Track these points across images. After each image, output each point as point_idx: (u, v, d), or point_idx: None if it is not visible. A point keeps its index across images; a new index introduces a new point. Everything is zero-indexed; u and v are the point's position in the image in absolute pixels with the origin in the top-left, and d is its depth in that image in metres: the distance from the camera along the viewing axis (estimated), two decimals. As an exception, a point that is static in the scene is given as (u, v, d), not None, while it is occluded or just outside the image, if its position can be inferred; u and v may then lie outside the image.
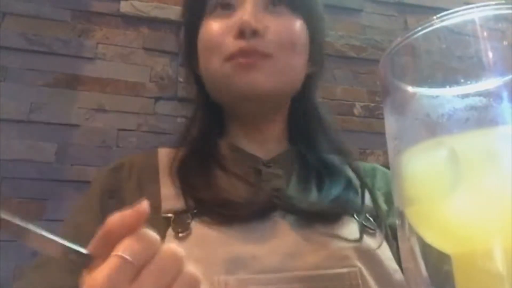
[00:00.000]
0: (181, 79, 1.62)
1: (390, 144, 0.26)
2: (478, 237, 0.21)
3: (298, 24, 0.58)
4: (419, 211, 0.24)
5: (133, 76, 1.61)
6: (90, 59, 1.59)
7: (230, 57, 0.54)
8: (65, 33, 1.59)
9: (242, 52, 0.54)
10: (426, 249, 0.24)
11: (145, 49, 1.65)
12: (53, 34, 1.57)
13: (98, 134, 1.52)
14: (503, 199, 0.20)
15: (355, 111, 1.81)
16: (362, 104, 1.83)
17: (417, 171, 0.23)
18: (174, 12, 1.66)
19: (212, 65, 0.57)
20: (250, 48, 0.54)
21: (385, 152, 0.27)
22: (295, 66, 0.58)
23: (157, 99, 1.62)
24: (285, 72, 0.57)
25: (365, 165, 0.66)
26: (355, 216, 0.54)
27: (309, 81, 0.63)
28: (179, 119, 1.57)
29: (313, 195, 0.55)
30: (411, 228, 0.24)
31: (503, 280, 0.20)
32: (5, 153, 1.41)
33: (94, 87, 1.57)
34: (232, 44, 0.54)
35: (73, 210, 0.59)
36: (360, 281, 0.47)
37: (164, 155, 0.60)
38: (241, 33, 0.54)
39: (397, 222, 0.26)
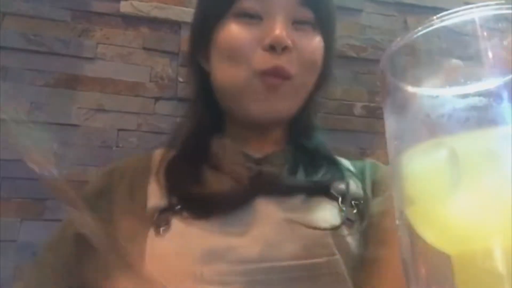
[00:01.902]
0: (181, 79, 1.62)
1: (390, 144, 0.26)
2: (478, 237, 0.21)
3: (319, 43, 0.59)
4: (419, 211, 0.24)
5: (133, 76, 1.61)
6: (90, 59, 1.59)
7: (259, 73, 0.55)
8: (65, 33, 1.59)
9: (272, 72, 0.54)
10: (426, 249, 0.24)
11: (145, 49, 1.66)
12: (53, 34, 1.57)
13: (98, 134, 1.52)
14: (503, 199, 0.20)
15: (355, 111, 1.81)
16: (362, 104, 1.83)
17: (417, 171, 0.23)
18: (174, 12, 1.66)
19: (238, 77, 0.56)
20: (280, 67, 0.54)
21: (386, 153, 0.27)
22: (309, 86, 0.60)
23: (157, 99, 1.62)
24: (300, 93, 0.59)
25: (356, 162, 0.67)
26: (339, 203, 0.54)
27: (314, 91, 0.63)
28: (179, 119, 1.57)
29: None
30: (411, 228, 0.24)
31: (503, 280, 0.20)
32: (5, 153, 1.41)
33: (94, 87, 1.57)
34: (261, 58, 0.54)
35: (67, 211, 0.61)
36: (337, 270, 0.48)
37: (157, 156, 0.62)
38: (273, 48, 0.54)
39: (397, 222, 0.26)
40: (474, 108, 0.21)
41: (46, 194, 1.43)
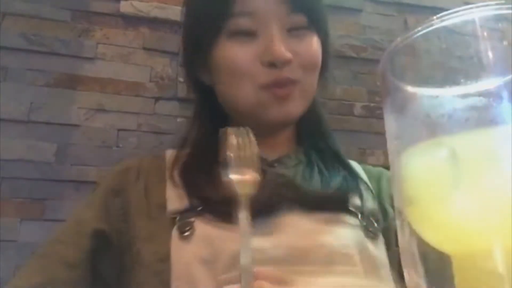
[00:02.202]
0: (181, 79, 1.62)
1: (390, 144, 0.26)
2: (478, 237, 0.21)
3: (316, 43, 0.59)
4: (419, 211, 0.24)
5: (133, 76, 1.61)
6: (90, 59, 1.59)
7: (265, 86, 0.55)
8: (65, 33, 1.59)
9: (277, 83, 0.54)
10: (426, 249, 0.24)
11: (145, 49, 1.66)
12: (53, 34, 1.57)
13: (98, 134, 1.52)
14: (503, 199, 0.20)
15: (355, 111, 1.81)
16: (362, 104, 1.83)
17: (417, 171, 0.23)
18: (174, 12, 1.66)
19: (243, 93, 0.56)
20: (284, 78, 0.55)
21: (385, 152, 0.26)
22: (315, 85, 0.60)
23: (157, 99, 1.62)
24: (309, 93, 0.59)
25: (371, 169, 0.67)
26: (359, 218, 0.54)
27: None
28: (179, 119, 1.58)
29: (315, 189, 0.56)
30: (411, 228, 0.24)
31: (503, 280, 0.20)
32: (5, 153, 1.41)
33: (94, 87, 1.57)
34: (264, 73, 0.55)
35: (77, 207, 0.60)
36: (359, 279, 0.48)
37: (170, 156, 0.61)
38: (273, 65, 0.54)
39: (397, 222, 0.26)
40: (474, 108, 0.21)
41: (46, 194, 1.43)
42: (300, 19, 0.57)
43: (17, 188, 1.40)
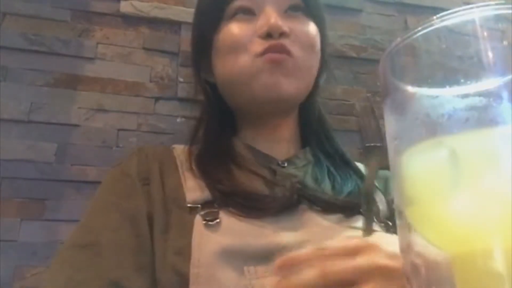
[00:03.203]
0: (181, 79, 1.62)
1: (390, 144, 0.26)
2: (478, 237, 0.21)
3: (314, 28, 0.61)
4: (419, 211, 0.24)
5: (133, 76, 1.61)
6: (90, 59, 1.59)
7: (261, 54, 0.56)
8: (65, 33, 1.59)
9: (273, 47, 0.56)
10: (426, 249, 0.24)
11: (145, 49, 1.65)
12: (53, 34, 1.57)
13: (98, 134, 1.52)
14: (503, 199, 0.20)
15: (355, 111, 1.81)
16: (362, 104, 1.83)
17: (417, 171, 0.23)
18: (174, 12, 1.66)
19: (240, 63, 0.57)
20: (279, 44, 0.56)
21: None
22: (313, 67, 0.61)
23: (157, 99, 1.62)
24: (305, 72, 0.59)
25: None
26: (375, 220, 0.55)
27: (316, 83, 0.64)
28: (179, 119, 1.58)
29: (328, 192, 0.57)
30: (411, 228, 0.24)
31: (503, 280, 0.20)
32: (5, 153, 1.41)
33: (94, 87, 1.57)
34: (261, 43, 0.56)
35: (114, 194, 0.55)
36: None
37: (180, 151, 0.62)
38: (269, 35, 0.56)
39: (397, 222, 0.26)
40: (474, 108, 0.21)
41: (46, 194, 1.43)
42: (296, 1, 0.60)
43: (17, 188, 1.40)
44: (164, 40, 1.67)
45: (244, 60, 0.57)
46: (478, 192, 0.21)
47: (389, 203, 0.60)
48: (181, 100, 1.59)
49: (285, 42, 0.56)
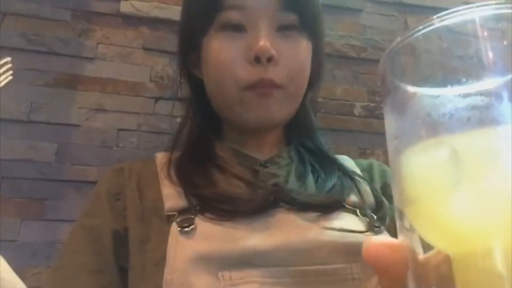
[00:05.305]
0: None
1: (390, 144, 0.26)
2: (478, 237, 0.21)
3: (306, 46, 0.59)
4: (419, 211, 0.24)
5: (133, 76, 1.61)
6: (90, 59, 1.59)
7: (248, 87, 0.55)
8: (65, 33, 1.59)
9: (261, 83, 0.55)
10: (426, 249, 0.24)
11: (145, 49, 1.66)
12: (53, 34, 1.57)
13: (98, 134, 1.52)
14: (504, 199, 0.20)
15: (355, 111, 1.81)
16: (362, 104, 1.83)
17: (417, 171, 0.23)
18: (174, 12, 1.66)
19: (226, 91, 0.56)
20: (268, 79, 0.54)
21: (385, 152, 0.26)
22: (302, 91, 0.60)
23: (157, 99, 1.62)
24: (294, 100, 0.59)
25: (361, 162, 0.67)
26: (358, 214, 0.55)
27: (305, 94, 0.63)
28: (179, 119, 1.58)
29: (311, 189, 0.57)
30: (411, 228, 0.24)
31: (503, 280, 0.20)
32: (5, 153, 1.41)
33: (94, 87, 1.57)
34: (248, 72, 0.55)
35: (82, 214, 0.58)
36: (361, 275, 0.48)
37: (161, 158, 0.61)
38: (258, 60, 0.54)
39: (397, 222, 0.26)
40: (475, 107, 0.21)
41: (46, 194, 1.43)
42: (290, 17, 0.57)
43: (17, 188, 1.40)
44: (164, 40, 1.67)
45: (230, 90, 0.56)
46: (479, 192, 0.21)
47: (374, 192, 0.60)
48: (181, 100, 1.59)
49: (274, 71, 0.55)
